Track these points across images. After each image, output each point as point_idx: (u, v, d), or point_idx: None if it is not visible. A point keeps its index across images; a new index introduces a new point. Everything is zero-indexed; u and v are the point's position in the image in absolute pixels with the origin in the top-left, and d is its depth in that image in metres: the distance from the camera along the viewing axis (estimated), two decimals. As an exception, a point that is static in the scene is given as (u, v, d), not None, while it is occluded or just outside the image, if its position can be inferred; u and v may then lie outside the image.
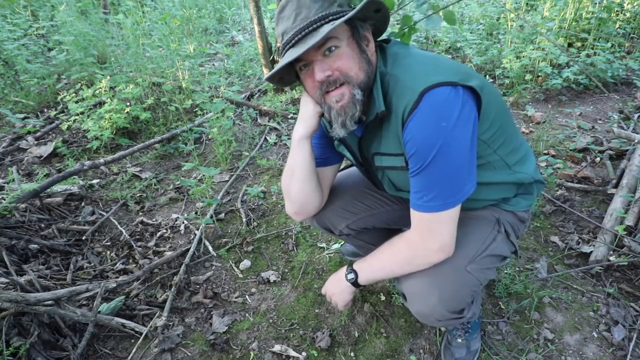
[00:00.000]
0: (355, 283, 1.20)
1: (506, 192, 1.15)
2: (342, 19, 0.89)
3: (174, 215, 2.29)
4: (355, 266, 1.20)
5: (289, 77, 1.09)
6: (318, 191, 1.25)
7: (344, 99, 0.97)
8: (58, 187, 2.34)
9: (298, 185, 1.20)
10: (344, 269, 1.24)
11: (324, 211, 1.38)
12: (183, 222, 2.21)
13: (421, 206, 0.98)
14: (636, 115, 2.80)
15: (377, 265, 1.15)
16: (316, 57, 0.95)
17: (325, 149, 1.26)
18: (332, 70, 0.95)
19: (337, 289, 1.26)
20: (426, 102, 0.89)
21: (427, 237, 1.01)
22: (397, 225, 1.47)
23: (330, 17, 0.92)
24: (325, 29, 0.89)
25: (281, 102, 3.50)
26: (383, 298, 1.66)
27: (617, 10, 3.80)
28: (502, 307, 1.59)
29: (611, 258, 1.68)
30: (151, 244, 2.08)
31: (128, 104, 3.02)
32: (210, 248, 2.01)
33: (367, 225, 1.44)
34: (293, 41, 0.94)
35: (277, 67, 0.96)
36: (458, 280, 1.07)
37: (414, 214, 1.01)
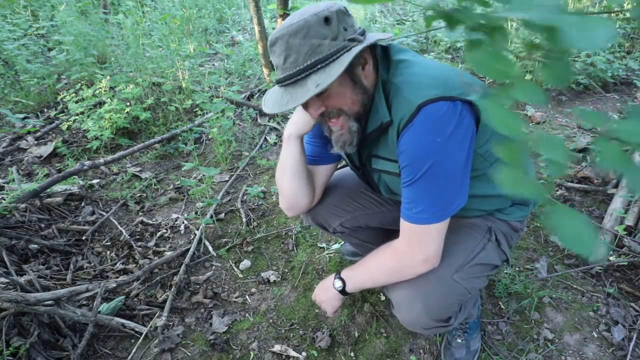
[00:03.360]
0: (343, 291, 1.20)
1: (501, 203, 1.15)
2: (332, 78, 0.87)
3: (174, 215, 2.29)
4: (343, 274, 1.21)
5: None
6: (308, 188, 1.26)
7: (343, 130, 1.00)
8: (58, 187, 2.34)
9: (288, 181, 1.22)
10: (332, 276, 1.24)
11: (319, 209, 1.39)
12: (183, 222, 2.21)
13: (410, 217, 0.98)
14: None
15: (364, 273, 1.16)
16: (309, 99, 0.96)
17: (321, 148, 1.26)
18: (326, 106, 0.97)
19: (326, 296, 1.26)
20: (422, 116, 0.89)
21: (413, 248, 1.02)
22: (391, 226, 1.47)
23: (319, 66, 0.90)
24: (313, 81, 0.89)
25: (281, 102, 3.50)
26: (383, 298, 1.66)
27: (617, 11, 3.79)
28: (502, 307, 1.59)
29: (611, 258, 1.68)
30: (151, 244, 2.08)
31: (128, 104, 3.02)
32: (210, 248, 2.01)
33: (361, 224, 1.45)
34: (284, 83, 0.95)
35: (270, 110, 0.98)
36: (443, 289, 1.06)
37: (403, 224, 1.02)
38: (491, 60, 0.39)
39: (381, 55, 1.03)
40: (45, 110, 3.49)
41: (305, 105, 1.01)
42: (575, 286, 1.65)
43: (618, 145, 0.34)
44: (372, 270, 1.13)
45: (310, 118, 1.10)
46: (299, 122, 1.15)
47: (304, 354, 1.48)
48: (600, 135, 0.35)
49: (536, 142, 0.35)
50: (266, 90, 3.75)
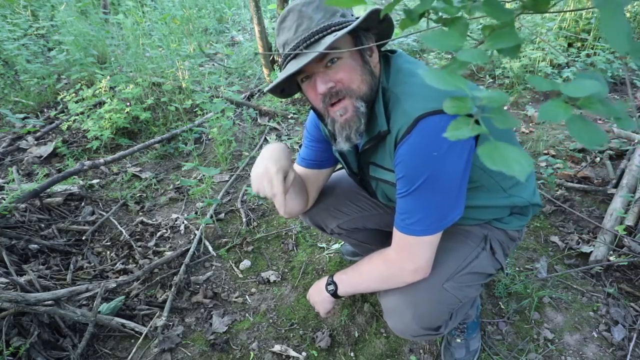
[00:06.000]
0: (335, 294, 1.21)
1: (499, 213, 1.14)
2: (345, 29, 0.87)
3: (174, 215, 2.29)
4: (336, 277, 1.21)
5: (290, 88, 1.08)
6: (300, 198, 1.29)
7: (348, 112, 0.95)
8: (58, 187, 2.34)
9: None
10: (325, 279, 1.25)
11: (316, 210, 1.40)
12: (183, 222, 2.21)
13: (403, 227, 0.98)
14: (636, 115, 2.80)
15: (356, 279, 1.16)
16: (318, 69, 0.94)
17: (320, 152, 1.26)
18: (335, 82, 0.93)
19: (319, 297, 1.27)
20: (419, 129, 0.88)
21: (404, 258, 1.02)
22: (388, 228, 1.46)
23: (333, 28, 0.91)
24: (328, 40, 0.87)
25: (281, 102, 3.50)
26: (383, 298, 1.66)
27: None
28: (502, 307, 1.59)
29: (611, 258, 1.68)
30: (151, 244, 2.08)
31: (128, 104, 3.03)
32: (210, 248, 2.01)
33: (359, 226, 1.45)
34: (297, 49, 0.93)
35: (278, 79, 0.95)
36: (434, 298, 1.06)
37: (396, 233, 1.01)
38: (441, 37, 0.45)
39: (383, 62, 1.02)
40: (45, 110, 3.49)
41: (313, 82, 0.96)
42: (575, 286, 1.65)
43: (561, 100, 0.38)
44: (363, 275, 1.13)
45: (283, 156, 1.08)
46: (274, 157, 1.08)
47: (304, 354, 1.48)
48: (550, 97, 0.38)
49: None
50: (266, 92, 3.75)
